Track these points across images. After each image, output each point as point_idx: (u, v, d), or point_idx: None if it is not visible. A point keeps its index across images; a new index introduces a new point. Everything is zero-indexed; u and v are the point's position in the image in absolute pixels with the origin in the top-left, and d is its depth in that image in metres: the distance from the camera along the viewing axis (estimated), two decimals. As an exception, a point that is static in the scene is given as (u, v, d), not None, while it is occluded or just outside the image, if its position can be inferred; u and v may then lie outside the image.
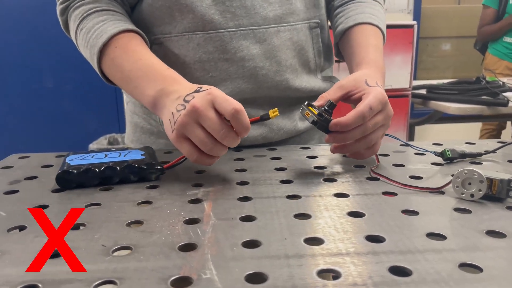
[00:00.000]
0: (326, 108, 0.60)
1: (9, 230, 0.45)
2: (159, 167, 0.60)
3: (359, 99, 0.62)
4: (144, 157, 0.62)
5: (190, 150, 0.57)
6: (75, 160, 0.60)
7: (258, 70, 0.73)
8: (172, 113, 0.57)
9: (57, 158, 0.72)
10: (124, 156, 0.62)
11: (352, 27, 0.77)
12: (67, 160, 0.60)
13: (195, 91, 0.57)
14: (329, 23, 0.87)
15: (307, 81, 0.79)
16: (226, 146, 0.56)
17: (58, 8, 0.73)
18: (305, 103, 0.61)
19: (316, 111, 0.59)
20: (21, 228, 0.46)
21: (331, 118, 0.59)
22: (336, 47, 0.83)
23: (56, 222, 0.47)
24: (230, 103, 0.53)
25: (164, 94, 0.60)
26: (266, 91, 0.75)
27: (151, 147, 0.71)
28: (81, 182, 0.57)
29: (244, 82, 0.73)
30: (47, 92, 2.89)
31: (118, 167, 0.58)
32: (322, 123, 0.59)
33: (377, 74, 0.68)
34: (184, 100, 0.56)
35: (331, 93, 0.64)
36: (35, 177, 0.62)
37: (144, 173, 0.59)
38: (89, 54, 0.69)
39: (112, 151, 0.65)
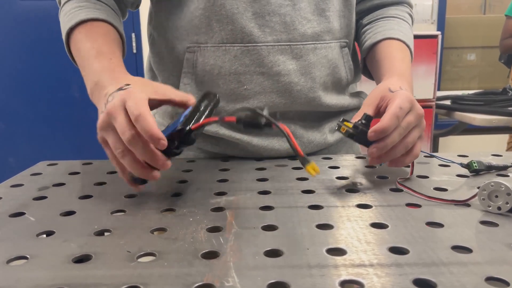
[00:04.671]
0: (363, 121, 0.59)
1: (38, 235, 0.47)
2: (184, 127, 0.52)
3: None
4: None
5: (110, 155, 0.54)
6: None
7: (293, 86, 0.73)
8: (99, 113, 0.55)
9: (84, 165, 0.74)
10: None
11: (380, 41, 0.77)
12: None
13: (118, 89, 0.54)
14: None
15: (336, 98, 0.79)
16: (141, 159, 0.51)
17: None
18: (340, 120, 0.60)
19: (351, 125, 0.59)
20: (49, 233, 0.47)
21: (368, 129, 0.58)
22: (363, 63, 0.83)
23: (83, 228, 0.48)
24: (136, 108, 0.49)
25: (98, 88, 0.59)
26: (299, 106, 0.75)
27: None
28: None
29: (278, 96, 0.73)
30: (73, 101, 2.97)
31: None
32: (359, 135, 0.58)
33: (402, 81, 0.67)
34: (107, 100, 0.54)
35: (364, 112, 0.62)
36: (63, 184, 0.64)
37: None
38: (63, 37, 0.69)
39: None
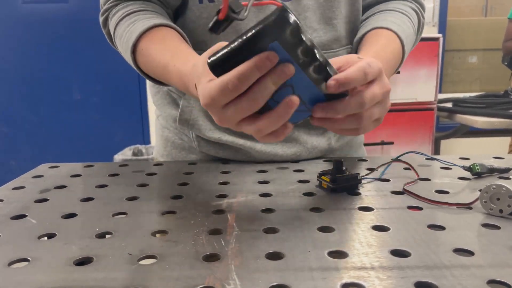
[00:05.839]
0: (336, 170, 0.60)
1: (39, 237, 0.47)
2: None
3: None
4: None
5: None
6: None
7: None
8: None
9: (85, 168, 0.74)
10: None
11: (368, 31, 0.72)
12: None
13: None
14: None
15: None
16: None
17: (100, 20, 0.73)
18: (318, 175, 0.61)
19: (328, 178, 0.59)
20: (51, 235, 0.47)
21: (345, 171, 0.60)
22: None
23: (84, 230, 0.48)
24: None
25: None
26: None
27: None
28: None
29: None
30: (74, 104, 2.97)
31: None
32: (340, 184, 0.59)
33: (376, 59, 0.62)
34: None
35: None
36: (64, 186, 0.64)
37: None
38: (128, 59, 0.68)
39: None
